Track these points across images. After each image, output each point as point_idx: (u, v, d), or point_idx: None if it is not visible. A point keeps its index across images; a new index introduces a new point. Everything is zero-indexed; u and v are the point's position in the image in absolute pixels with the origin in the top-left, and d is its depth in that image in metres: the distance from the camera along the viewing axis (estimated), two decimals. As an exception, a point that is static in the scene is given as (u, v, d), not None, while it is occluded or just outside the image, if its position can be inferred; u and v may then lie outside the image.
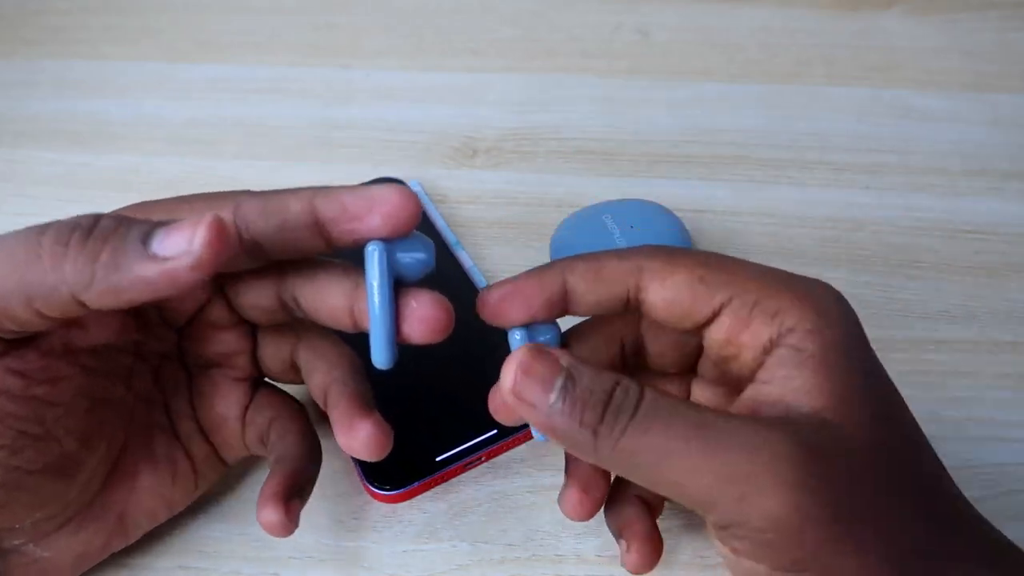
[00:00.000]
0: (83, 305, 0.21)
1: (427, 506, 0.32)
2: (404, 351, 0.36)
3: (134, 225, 0.21)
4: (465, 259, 0.40)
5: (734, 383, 0.24)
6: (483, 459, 0.33)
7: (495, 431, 0.33)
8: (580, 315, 0.25)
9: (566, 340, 0.26)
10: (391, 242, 0.23)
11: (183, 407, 0.29)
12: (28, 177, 0.45)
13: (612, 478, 0.26)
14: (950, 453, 0.33)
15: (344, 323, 0.25)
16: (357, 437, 0.25)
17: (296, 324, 0.28)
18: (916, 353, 0.37)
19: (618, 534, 0.26)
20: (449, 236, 0.41)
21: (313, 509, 0.32)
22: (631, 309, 0.24)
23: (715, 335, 0.23)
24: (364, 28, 0.56)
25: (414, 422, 0.33)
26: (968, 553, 0.21)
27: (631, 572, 0.26)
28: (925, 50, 0.53)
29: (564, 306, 0.24)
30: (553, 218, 0.41)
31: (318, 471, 0.29)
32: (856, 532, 0.20)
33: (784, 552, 0.20)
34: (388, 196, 0.23)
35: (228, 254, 0.21)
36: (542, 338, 0.25)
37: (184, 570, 0.30)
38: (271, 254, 0.24)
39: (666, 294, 0.23)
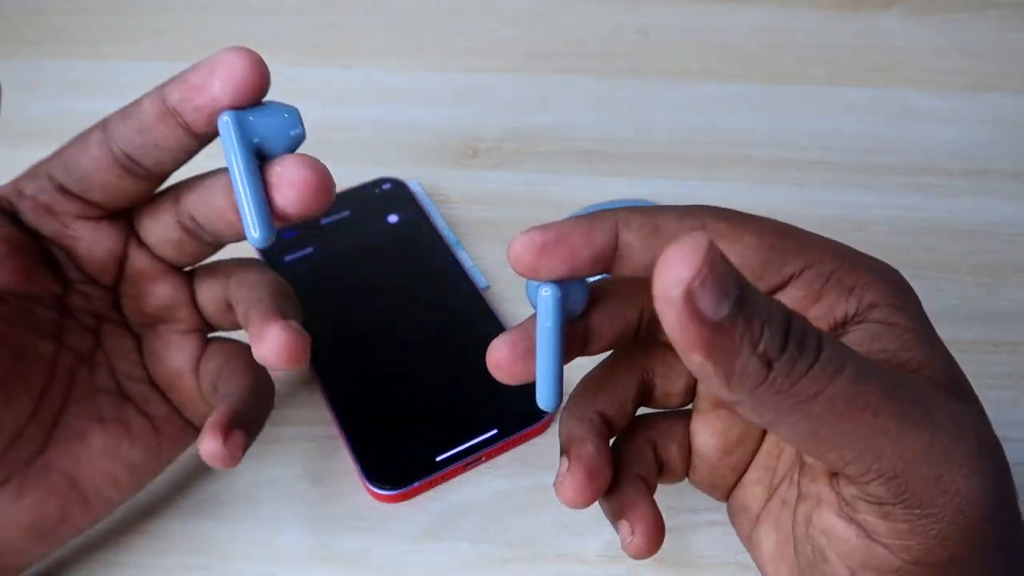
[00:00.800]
0: None
1: (427, 506, 0.32)
2: (404, 351, 0.36)
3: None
4: (465, 259, 0.40)
5: None
6: (483, 459, 0.33)
7: (495, 431, 0.33)
8: (626, 275, 0.22)
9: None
10: (246, 112, 0.23)
11: (132, 369, 0.28)
12: (28, 177, 0.45)
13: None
14: (950, 453, 0.33)
15: (233, 222, 0.24)
16: (265, 344, 0.24)
17: (228, 265, 0.29)
18: (916, 353, 0.37)
19: (618, 515, 0.24)
20: (449, 236, 0.41)
21: (313, 509, 0.32)
22: None
23: None
24: (364, 28, 0.56)
25: (414, 422, 0.33)
26: None
27: (636, 557, 0.24)
28: (925, 50, 0.53)
29: (610, 264, 0.21)
30: (553, 218, 0.40)
31: (267, 412, 0.28)
32: (1010, 527, 0.19)
33: (946, 548, 0.18)
34: (225, 56, 0.22)
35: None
36: (576, 295, 0.21)
37: (185, 569, 0.30)
38: (146, 163, 0.24)
39: (733, 258, 0.20)
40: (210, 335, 0.30)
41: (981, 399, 0.34)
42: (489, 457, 0.33)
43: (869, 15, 0.56)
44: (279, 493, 0.32)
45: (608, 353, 0.25)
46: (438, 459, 0.32)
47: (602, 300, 0.23)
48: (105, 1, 0.58)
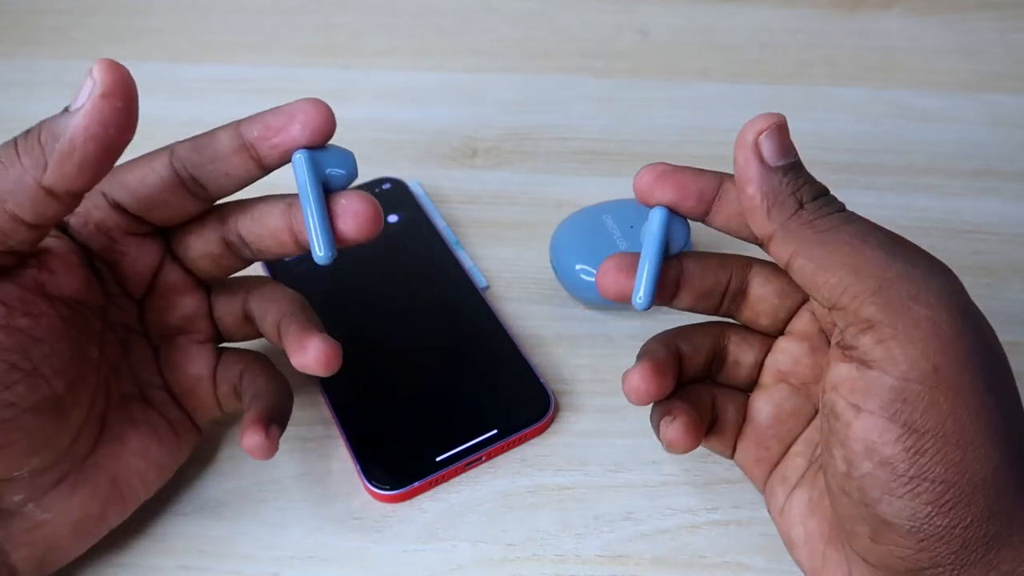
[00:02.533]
0: (51, 194, 0.23)
1: (427, 506, 0.32)
2: (404, 351, 0.36)
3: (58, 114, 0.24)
4: (465, 259, 0.40)
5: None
6: (483, 459, 0.33)
7: (495, 431, 0.33)
8: (719, 224, 0.26)
9: (686, 253, 0.28)
10: (315, 151, 0.26)
11: (151, 377, 0.30)
12: (28, 177, 0.45)
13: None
14: (950, 453, 0.33)
15: (287, 243, 0.28)
16: (307, 353, 0.27)
17: (245, 281, 0.31)
18: (916, 353, 0.37)
19: (663, 413, 0.27)
20: (449, 236, 0.41)
21: (313, 509, 0.32)
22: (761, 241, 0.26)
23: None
24: (364, 28, 0.56)
25: (414, 422, 0.33)
26: None
27: (672, 446, 0.26)
28: (925, 50, 0.53)
29: (710, 206, 0.26)
30: (553, 218, 0.41)
31: (291, 407, 0.30)
32: (993, 386, 0.21)
33: (928, 356, 0.21)
34: (304, 106, 0.26)
35: (129, 84, 0.23)
36: (678, 228, 0.26)
37: (185, 570, 0.30)
38: (211, 188, 0.27)
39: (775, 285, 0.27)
40: (220, 345, 0.32)
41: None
42: (489, 457, 0.33)
43: (869, 15, 0.56)
44: (279, 493, 0.32)
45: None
46: (438, 459, 0.32)
47: (698, 257, 0.28)
48: (105, 1, 0.58)
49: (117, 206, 0.27)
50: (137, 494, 0.29)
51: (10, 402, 0.24)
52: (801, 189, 0.23)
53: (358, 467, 0.32)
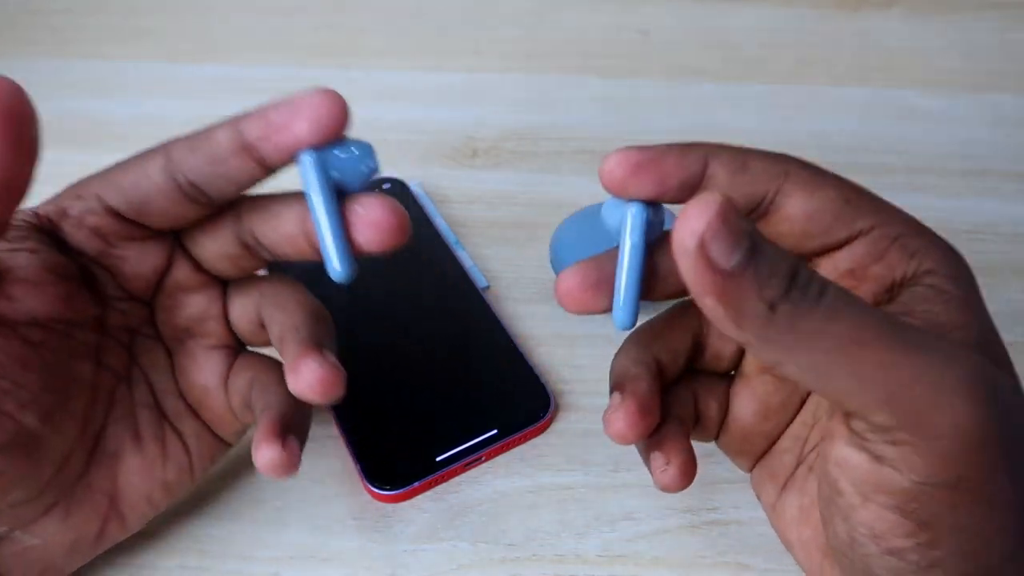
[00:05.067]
0: None
1: (427, 506, 0.32)
2: (404, 351, 0.36)
3: None
4: (465, 259, 0.40)
5: None
6: (483, 459, 0.33)
7: (495, 431, 0.33)
8: None
9: (657, 246, 0.24)
10: (325, 150, 0.22)
11: (167, 383, 0.28)
12: (28, 177, 0.45)
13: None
14: (950, 453, 0.33)
15: (304, 249, 0.25)
16: (301, 377, 0.24)
17: (260, 280, 0.28)
18: (916, 353, 0.37)
19: (654, 448, 0.24)
20: (449, 236, 0.41)
21: (313, 509, 0.32)
22: (756, 216, 0.23)
23: (841, 263, 0.23)
24: (364, 28, 0.56)
25: (414, 422, 0.33)
26: None
27: (667, 487, 0.24)
28: (925, 50, 0.53)
29: (694, 192, 0.22)
30: (553, 218, 0.41)
31: (310, 419, 0.28)
32: (1017, 458, 0.19)
33: (951, 467, 0.18)
34: (311, 99, 0.22)
35: (16, 109, 0.20)
36: (656, 220, 0.22)
37: (185, 569, 0.30)
38: (212, 193, 0.24)
39: (811, 205, 0.22)
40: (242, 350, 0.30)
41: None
42: (489, 457, 0.33)
43: (869, 15, 0.56)
44: (279, 493, 0.32)
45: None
46: (438, 459, 0.32)
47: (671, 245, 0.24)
48: (105, 1, 0.58)
49: (112, 211, 0.25)
50: (141, 513, 0.28)
51: None
52: (768, 284, 0.18)
53: (358, 467, 0.32)
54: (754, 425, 0.26)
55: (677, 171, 0.22)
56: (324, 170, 0.22)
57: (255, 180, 0.24)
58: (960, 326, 0.20)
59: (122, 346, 0.27)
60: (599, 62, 0.53)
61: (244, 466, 0.33)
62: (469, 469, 0.33)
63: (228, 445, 0.30)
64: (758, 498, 0.28)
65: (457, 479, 0.33)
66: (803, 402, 0.26)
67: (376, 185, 0.43)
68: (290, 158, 0.23)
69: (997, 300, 0.39)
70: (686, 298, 0.25)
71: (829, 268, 0.23)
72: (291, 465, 0.24)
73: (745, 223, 0.18)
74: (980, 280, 0.39)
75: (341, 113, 0.22)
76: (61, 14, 0.57)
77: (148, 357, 0.28)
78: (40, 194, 0.44)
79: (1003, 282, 0.40)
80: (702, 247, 0.17)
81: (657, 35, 0.55)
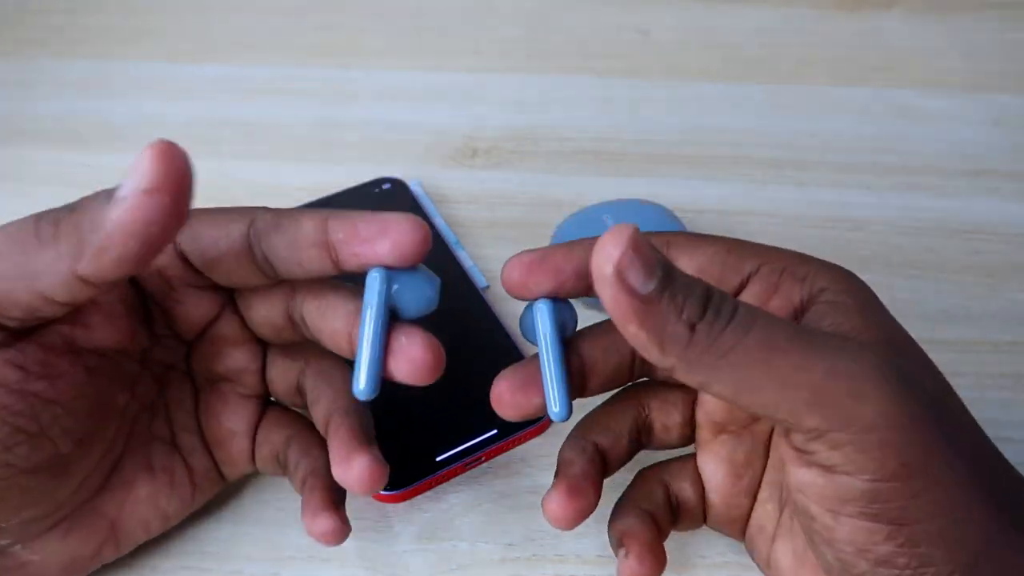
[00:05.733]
0: (85, 282, 0.21)
1: (427, 506, 0.32)
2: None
3: (106, 190, 0.21)
4: (465, 259, 0.40)
5: None
6: (483, 459, 0.33)
7: (495, 431, 0.33)
8: None
9: (579, 338, 0.25)
10: (396, 273, 0.23)
11: (186, 420, 0.29)
12: (28, 177, 0.45)
13: (600, 489, 0.26)
14: (950, 453, 0.33)
15: (343, 348, 0.25)
16: (351, 471, 0.24)
17: (306, 348, 0.28)
18: (916, 353, 0.37)
19: (618, 543, 0.26)
20: (449, 236, 0.41)
21: (313, 509, 0.32)
22: None
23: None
24: (364, 28, 0.56)
25: (414, 422, 0.33)
26: None
27: None
28: (925, 50, 0.53)
29: (591, 279, 0.23)
30: (553, 218, 0.41)
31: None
32: (957, 442, 0.20)
33: (892, 456, 0.19)
34: (400, 223, 0.22)
35: (180, 175, 0.20)
36: (566, 315, 0.24)
37: (186, 570, 0.30)
38: (281, 271, 0.24)
39: (696, 263, 0.24)
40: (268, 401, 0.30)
41: (982, 399, 0.35)
42: (489, 457, 0.33)
43: (869, 15, 0.56)
44: (279, 493, 0.32)
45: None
46: (438, 459, 0.32)
47: (593, 338, 0.25)
48: (105, 1, 0.58)
49: (183, 257, 0.25)
50: (135, 539, 0.28)
51: (8, 463, 0.23)
52: (685, 306, 0.19)
53: (358, 467, 0.32)
54: (730, 487, 0.26)
55: (567, 262, 0.23)
56: (387, 291, 0.23)
57: (325, 273, 0.24)
58: (863, 329, 0.21)
59: (155, 379, 0.28)
60: (599, 62, 0.53)
61: (244, 466, 0.33)
62: (469, 469, 0.33)
63: (225, 481, 0.30)
64: (751, 557, 0.27)
65: (457, 479, 0.33)
66: (767, 448, 0.26)
67: (376, 185, 0.43)
68: (363, 269, 0.23)
69: (997, 300, 0.39)
70: (625, 385, 0.26)
71: None
72: (345, 532, 0.26)
73: (657, 252, 0.19)
74: (980, 280, 0.40)
75: (423, 244, 0.23)
76: (61, 14, 0.57)
77: (176, 392, 0.28)
78: (40, 194, 0.44)
79: (1003, 282, 0.40)
80: (619, 274, 0.19)
81: (657, 35, 0.55)
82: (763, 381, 0.19)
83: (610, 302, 0.19)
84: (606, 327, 0.26)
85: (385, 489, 0.31)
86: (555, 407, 0.23)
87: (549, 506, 0.24)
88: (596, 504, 0.25)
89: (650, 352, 0.20)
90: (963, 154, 0.46)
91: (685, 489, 0.27)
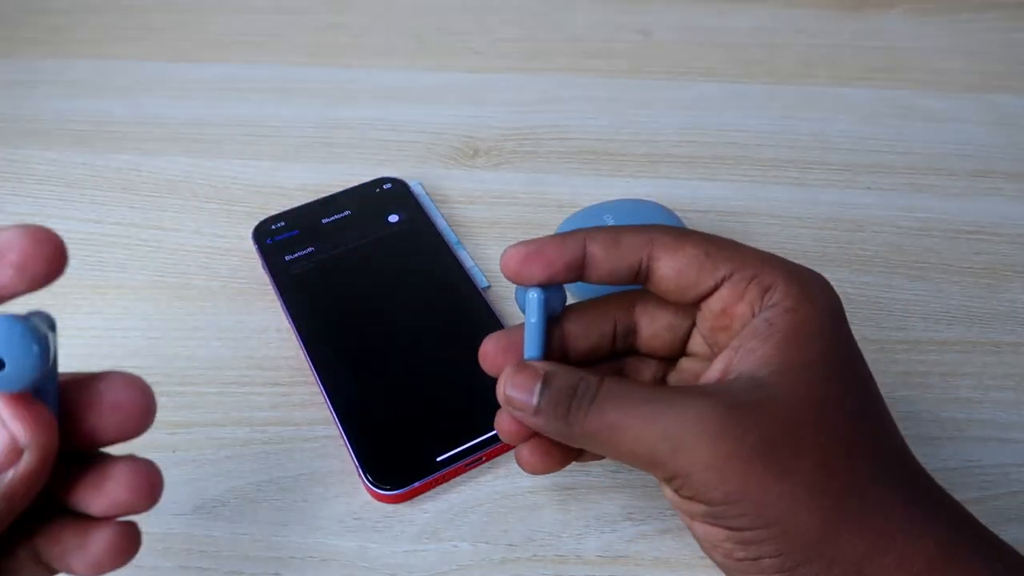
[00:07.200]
0: None
1: (427, 506, 0.32)
2: (404, 351, 0.36)
3: None
4: (466, 259, 0.40)
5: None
6: (483, 459, 0.33)
7: (495, 431, 0.33)
8: (594, 282, 0.26)
9: (565, 314, 0.28)
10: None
11: None
12: (28, 177, 0.45)
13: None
14: (951, 454, 0.33)
15: None
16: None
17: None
18: (917, 354, 0.37)
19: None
20: (450, 236, 0.41)
21: (313, 509, 0.32)
22: (640, 280, 0.26)
23: (713, 306, 0.26)
24: (365, 28, 0.56)
25: (414, 422, 0.33)
26: (902, 500, 0.23)
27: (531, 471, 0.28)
28: (927, 50, 0.53)
29: (581, 271, 0.26)
30: (553, 218, 0.41)
31: None
32: (781, 466, 0.22)
33: (716, 489, 0.22)
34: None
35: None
36: (555, 298, 0.26)
37: (185, 570, 0.30)
38: None
39: (676, 264, 0.25)
40: None
41: (983, 400, 0.35)
42: (489, 457, 0.33)
43: (871, 15, 0.56)
44: (279, 493, 0.32)
45: None
46: (438, 459, 0.32)
47: (578, 314, 0.28)
48: (105, 1, 0.58)
49: None
50: None
51: None
52: (558, 407, 0.24)
53: (358, 467, 0.32)
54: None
55: (558, 255, 0.26)
56: None
57: None
58: (768, 360, 0.24)
59: None
60: (600, 62, 0.53)
61: (244, 466, 0.33)
62: (469, 469, 0.33)
63: None
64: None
65: (457, 479, 0.32)
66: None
67: (376, 185, 0.43)
68: None
69: (998, 300, 0.39)
70: (607, 358, 0.29)
71: (707, 310, 0.26)
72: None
73: (539, 368, 0.25)
74: (981, 280, 0.40)
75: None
76: (62, 14, 0.57)
77: None
78: (39, 194, 0.45)
79: (1004, 282, 0.40)
80: (509, 404, 0.25)
81: (657, 35, 0.55)
82: (623, 447, 0.24)
83: (518, 419, 0.25)
84: (590, 306, 0.28)
85: (385, 489, 0.31)
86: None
87: (521, 457, 0.28)
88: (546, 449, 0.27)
89: (546, 433, 0.25)
90: (965, 154, 0.46)
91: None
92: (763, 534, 0.22)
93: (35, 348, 0.18)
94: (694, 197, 0.44)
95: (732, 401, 0.23)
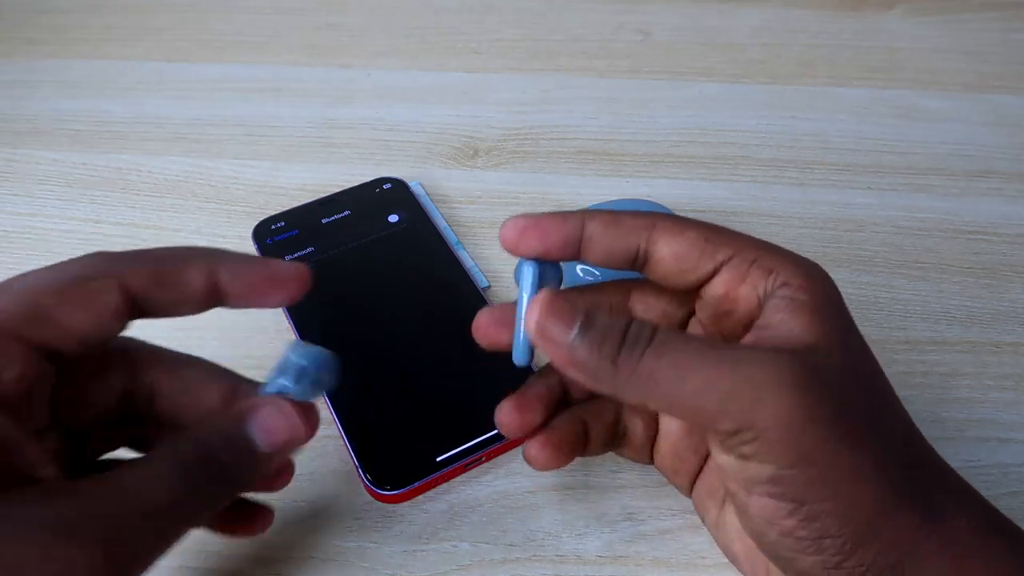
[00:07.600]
0: None
1: (427, 506, 0.32)
2: (404, 351, 0.36)
3: None
4: (466, 259, 0.40)
5: (728, 339, 0.26)
6: (483, 459, 0.33)
7: (495, 431, 0.32)
8: (591, 262, 0.26)
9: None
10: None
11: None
12: (28, 177, 0.45)
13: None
14: (951, 454, 0.33)
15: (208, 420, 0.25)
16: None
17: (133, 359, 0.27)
18: (917, 354, 0.37)
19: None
20: (450, 236, 0.41)
21: (314, 509, 0.32)
22: (637, 265, 0.26)
23: (715, 290, 0.25)
24: (365, 28, 0.56)
25: (414, 422, 0.33)
26: (947, 480, 0.24)
27: (534, 464, 0.27)
28: (927, 50, 0.53)
29: (577, 249, 0.26)
30: (554, 218, 0.41)
31: None
32: (855, 432, 0.22)
33: (790, 449, 0.21)
34: (287, 271, 0.26)
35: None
36: (550, 274, 0.26)
37: (185, 570, 0.30)
38: (147, 314, 0.25)
39: (676, 248, 0.25)
40: None
41: (983, 400, 0.35)
42: (489, 457, 0.33)
43: (871, 15, 0.56)
44: (279, 493, 0.32)
45: None
46: (438, 459, 0.32)
47: (574, 297, 0.27)
48: (105, 1, 0.58)
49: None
50: None
51: None
52: (604, 345, 0.23)
53: (358, 467, 0.32)
54: (681, 440, 0.28)
55: (556, 230, 0.25)
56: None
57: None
58: (806, 327, 0.23)
59: None
60: (600, 62, 0.53)
61: (244, 466, 0.33)
62: (469, 469, 0.33)
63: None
64: (702, 520, 0.29)
65: (457, 479, 0.32)
66: None
67: (376, 185, 0.43)
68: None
69: (998, 300, 0.39)
70: None
71: (708, 296, 0.26)
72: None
73: (576, 306, 0.23)
74: (981, 280, 0.40)
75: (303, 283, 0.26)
76: (62, 14, 0.57)
77: None
78: (39, 193, 0.44)
79: (1004, 282, 0.40)
80: (544, 330, 0.23)
81: (657, 35, 0.55)
82: (681, 397, 0.22)
83: (549, 353, 0.23)
84: (586, 290, 0.28)
85: (385, 489, 0.31)
86: (517, 354, 0.26)
87: (498, 415, 0.27)
88: (543, 419, 0.27)
89: (590, 384, 0.23)
90: (965, 154, 0.46)
91: (636, 424, 0.29)
92: (828, 507, 0.22)
93: (338, 378, 0.25)
94: (694, 197, 0.44)
95: (802, 358, 0.22)
